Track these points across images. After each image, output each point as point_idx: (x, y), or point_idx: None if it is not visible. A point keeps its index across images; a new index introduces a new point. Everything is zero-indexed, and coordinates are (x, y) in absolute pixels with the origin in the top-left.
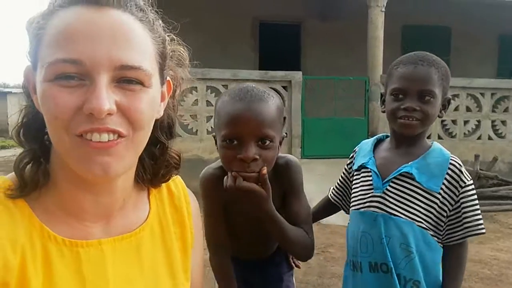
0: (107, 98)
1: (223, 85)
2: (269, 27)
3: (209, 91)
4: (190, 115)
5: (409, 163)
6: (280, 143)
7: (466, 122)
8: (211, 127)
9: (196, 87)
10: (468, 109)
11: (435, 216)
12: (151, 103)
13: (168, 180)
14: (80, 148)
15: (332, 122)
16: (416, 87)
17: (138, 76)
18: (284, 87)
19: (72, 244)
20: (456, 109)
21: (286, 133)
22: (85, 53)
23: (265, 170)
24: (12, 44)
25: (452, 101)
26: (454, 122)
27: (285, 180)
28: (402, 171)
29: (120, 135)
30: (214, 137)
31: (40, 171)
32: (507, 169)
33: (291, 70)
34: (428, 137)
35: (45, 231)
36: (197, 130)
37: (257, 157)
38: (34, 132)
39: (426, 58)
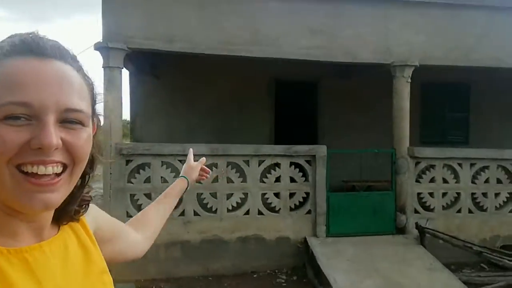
0: (54, 135)
1: (244, 161)
2: (286, 85)
3: (229, 167)
4: (210, 193)
5: None
6: None
7: (496, 195)
8: (232, 205)
9: (216, 164)
10: (498, 181)
11: None
12: (88, 140)
13: (72, 218)
14: (21, 185)
15: (358, 197)
16: None
17: (79, 117)
18: (307, 161)
19: (17, 251)
20: (486, 181)
21: None
22: (34, 97)
23: None
24: None
25: (482, 173)
26: (484, 195)
27: None
28: None
29: (64, 165)
30: None
31: None
32: None
33: (308, 129)
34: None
35: None
36: (216, 209)
37: None
38: None
39: None
